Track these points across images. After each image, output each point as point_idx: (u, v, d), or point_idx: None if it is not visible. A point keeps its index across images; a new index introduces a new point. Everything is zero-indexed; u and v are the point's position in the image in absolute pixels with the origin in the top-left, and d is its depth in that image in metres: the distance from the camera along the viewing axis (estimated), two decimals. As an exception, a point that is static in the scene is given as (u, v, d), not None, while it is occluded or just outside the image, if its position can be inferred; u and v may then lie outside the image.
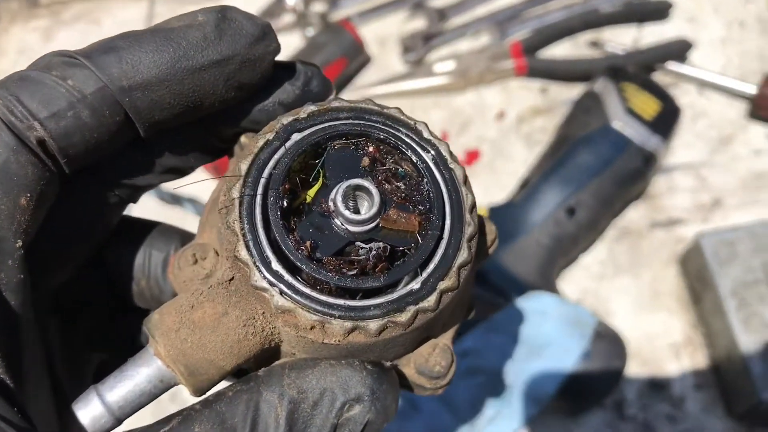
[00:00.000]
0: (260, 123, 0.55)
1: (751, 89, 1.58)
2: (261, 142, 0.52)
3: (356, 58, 1.71)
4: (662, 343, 1.46)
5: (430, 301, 0.49)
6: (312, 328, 0.48)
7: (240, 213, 0.49)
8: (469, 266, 0.52)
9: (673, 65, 1.65)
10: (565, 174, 1.45)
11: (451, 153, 0.54)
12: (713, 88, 1.65)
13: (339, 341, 0.48)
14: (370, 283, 0.48)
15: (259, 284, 0.48)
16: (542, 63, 1.68)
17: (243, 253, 0.48)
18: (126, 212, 0.63)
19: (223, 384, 0.50)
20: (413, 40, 1.74)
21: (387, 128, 0.54)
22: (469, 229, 0.52)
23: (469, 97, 1.70)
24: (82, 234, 0.57)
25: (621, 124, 1.46)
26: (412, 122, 0.55)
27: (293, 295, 0.48)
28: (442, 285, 0.50)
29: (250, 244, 0.48)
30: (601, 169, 1.44)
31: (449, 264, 0.51)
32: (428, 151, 0.54)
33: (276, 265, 0.48)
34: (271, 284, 0.48)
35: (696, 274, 1.44)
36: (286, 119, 0.53)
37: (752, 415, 1.35)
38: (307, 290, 0.48)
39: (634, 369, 1.43)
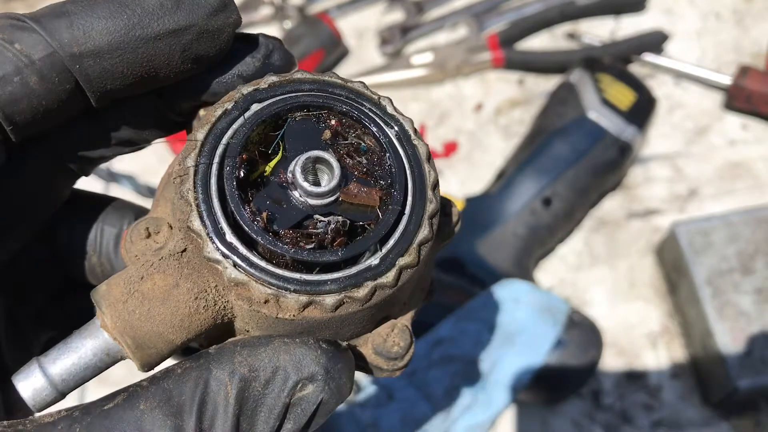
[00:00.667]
0: (219, 96, 0.54)
1: (726, 80, 1.59)
2: (219, 111, 0.50)
3: (334, 50, 1.71)
4: (639, 333, 1.47)
5: (389, 277, 0.48)
6: (266, 302, 0.47)
7: (194, 182, 0.48)
8: (430, 244, 0.51)
9: (649, 57, 1.66)
10: (541, 164, 1.45)
11: (415, 129, 0.53)
12: (689, 79, 1.65)
13: (294, 316, 0.47)
14: (328, 257, 0.47)
15: (212, 256, 0.46)
16: (519, 55, 1.68)
17: (196, 224, 0.47)
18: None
19: (173, 361, 0.49)
20: (391, 32, 1.73)
21: (350, 102, 0.52)
22: (431, 207, 0.51)
23: (447, 89, 1.70)
24: (29, 208, 0.55)
25: (596, 114, 1.47)
26: (376, 97, 0.54)
27: (247, 268, 0.46)
28: (402, 261, 0.49)
29: (204, 214, 0.47)
30: (577, 159, 1.44)
31: (410, 240, 0.49)
32: (392, 127, 0.53)
33: (230, 237, 0.47)
34: (225, 256, 0.46)
35: (672, 263, 1.44)
36: (246, 89, 0.51)
37: (728, 403, 1.36)
38: (262, 263, 0.47)
39: (610, 359, 1.44)
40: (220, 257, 0.46)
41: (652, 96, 1.53)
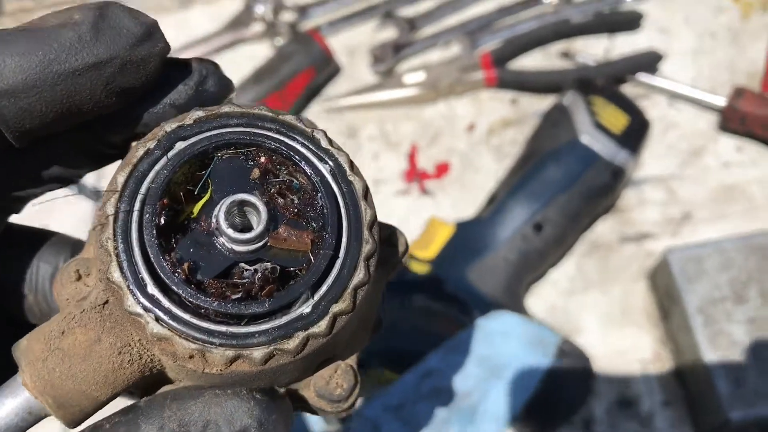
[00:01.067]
0: (151, 127, 0.51)
1: (721, 101, 1.57)
2: (141, 152, 0.48)
3: (325, 68, 1.69)
4: (631, 359, 1.45)
5: (321, 326, 0.46)
6: (191, 357, 0.45)
7: (114, 230, 0.45)
8: (367, 287, 0.48)
9: (643, 76, 1.64)
10: (532, 189, 1.43)
11: (351, 164, 0.51)
12: (684, 100, 1.64)
13: (221, 371, 0.45)
14: (254, 309, 0.45)
15: (132, 309, 0.44)
16: (512, 74, 1.66)
17: (116, 275, 0.44)
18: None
19: (105, 412, 0.47)
20: (383, 50, 1.72)
21: (281, 137, 0.50)
22: (367, 247, 0.48)
23: (439, 108, 1.69)
24: None
25: (589, 138, 1.45)
26: (310, 130, 0.51)
27: (170, 322, 0.44)
28: (336, 308, 0.46)
29: (124, 264, 0.45)
30: (569, 184, 1.43)
31: (344, 285, 0.47)
32: (326, 162, 0.50)
33: (152, 289, 0.45)
34: (146, 309, 0.44)
35: (664, 290, 1.43)
36: (169, 126, 0.49)
37: (719, 434, 1.35)
38: (186, 316, 0.44)
39: (602, 386, 1.42)
40: (141, 311, 0.44)
41: (645, 119, 1.51)
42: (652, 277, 1.48)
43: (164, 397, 0.45)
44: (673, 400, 1.41)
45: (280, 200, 0.49)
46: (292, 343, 0.45)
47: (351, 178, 0.50)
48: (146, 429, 0.44)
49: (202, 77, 0.51)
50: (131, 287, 0.45)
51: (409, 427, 1.20)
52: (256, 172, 0.49)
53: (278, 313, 0.46)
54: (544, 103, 1.64)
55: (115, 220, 0.46)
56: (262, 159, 0.49)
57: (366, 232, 0.49)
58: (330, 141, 0.51)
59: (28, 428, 0.48)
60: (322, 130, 0.51)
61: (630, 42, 1.70)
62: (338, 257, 0.47)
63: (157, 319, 0.44)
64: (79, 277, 0.49)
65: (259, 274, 0.46)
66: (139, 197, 0.46)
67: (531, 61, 1.71)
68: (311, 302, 0.46)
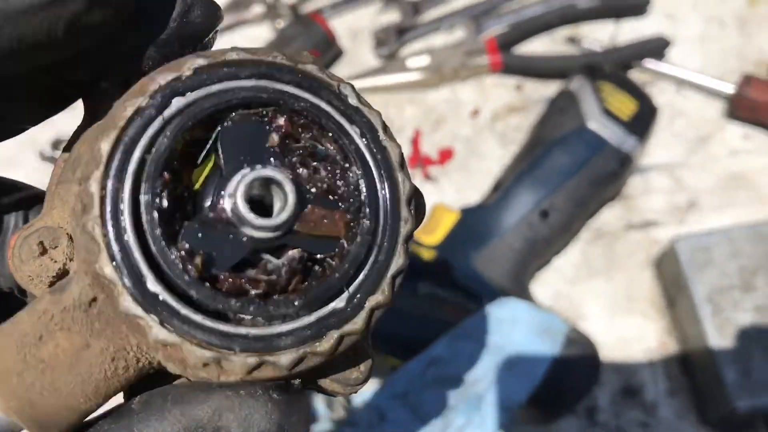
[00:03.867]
0: (123, 66, 0.43)
1: (729, 89, 1.55)
2: (129, 111, 0.38)
3: (327, 51, 1.66)
4: (636, 348, 1.44)
5: (357, 322, 0.39)
6: (205, 365, 0.37)
7: (102, 214, 0.37)
8: (405, 272, 0.41)
9: (650, 63, 1.62)
10: (539, 176, 1.41)
11: (384, 126, 0.43)
12: (691, 87, 1.62)
13: (240, 379, 0.38)
14: (284, 309, 0.38)
15: (130, 311, 0.36)
16: (518, 59, 1.64)
17: (107, 270, 0.36)
18: None
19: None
20: (386, 33, 1.69)
21: (303, 93, 0.41)
22: (406, 227, 0.41)
23: (443, 93, 1.66)
24: None
25: (597, 124, 1.43)
26: (335, 84, 0.42)
27: (179, 325, 0.37)
28: (373, 301, 0.40)
29: (117, 256, 0.36)
30: (576, 170, 1.41)
31: (381, 273, 0.40)
32: (355, 124, 0.42)
33: (153, 285, 0.37)
34: (147, 311, 0.36)
35: (671, 278, 1.41)
36: (163, 77, 0.39)
37: (726, 423, 1.34)
38: (198, 318, 0.37)
39: (606, 375, 1.41)
40: (141, 313, 0.36)
41: (654, 106, 1.49)
42: (658, 265, 1.46)
43: (164, 398, 0.39)
44: (678, 389, 1.40)
45: (304, 172, 0.41)
46: (325, 344, 0.39)
47: (385, 142, 0.42)
48: None
49: (186, 6, 0.43)
50: (127, 284, 0.36)
51: (415, 415, 1.18)
52: (274, 138, 0.40)
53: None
54: (549, 89, 1.61)
55: (102, 202, 0.37)
56: (281, 121, 0.41)
57: (404, 209, 0.42)
58: (359, 97, 0.43)
59: None
60: (349, 84, 0.43)
61: (636, 28, 1.68)
62: (375, 241, 0.41)
63: (162, 322, 0.37)
64: (44, 251, 0.40)
65: (286, 267, 0.39)
66: (130, 170, 0.37)
67: (537, 47, 1.68)
68: (345, 295, 0.40)
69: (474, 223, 1.40)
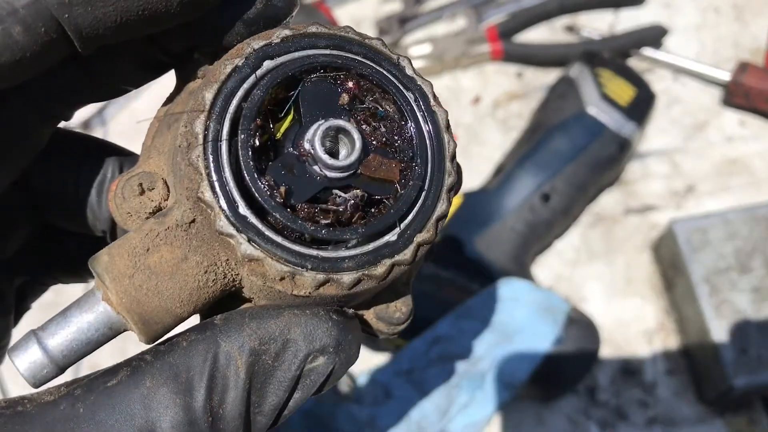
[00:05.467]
0: (216, 39, 0.50)
1: (725, 76, 1.58)
2: (228, 69, 0.46)
3: (330, 40, 1.68)
4: (635, 329, 1.47)
5: (407, 254, 0.47)
6: (282, 279, 0.45)
7: (204, 149, 0.44)
8: (446, 218, 0.49)
9: (648, 51, 1.65)
10: (539, 160, 1.44)
11: (434, 94, 0.50)
12: (688, 75, 1.65)
13: (309, 293, 0.45)
14: (348, 236, 0.45)
15: (224, 230, 0.44)
16: (518, 47, 1.67)
17: (207, 195, 0.44)
18: None
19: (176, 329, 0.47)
20: (389, 22, 1.71)
21: (369, 62, 0.49)
22: (449, 179, 0.49)
23: (444, 81, 1.69)
24: (5, 154, 0.51)
25: (596, 110, 1.46)
26: (396, 57, 0.50)
27: (263, 244, 0.44)
28: (420, 237, 0.47)
29: (216, 185, 0.44)
30: (576, 155, 1.44)
31: (428, 215, 0.48)
32: (411, 91, 0.49)
33: (244, 210, 0.44)
34: (238, 230, 0.44)
35: (669, 260, 1.44)
36: (256, 43, 0.47)
37: (723, 401, 1.37)
38: (278, 239, 0.44)
39: (606, 355, 1.44)
40: (233, 231, 0.44)
41: (652, 92, 1.52)
42: (657, 248, 1.49)
43: (242, 315, 0.45)
44: (676, 369, 1.43)
45: (366, 127, 0.48)
46: (379, 269, 0.46)
47: (435, 108, 0.50)
48: (225, 347, 0.43)
49: None
50: (223, 207, 0.44)
51: (420, 392, 1.20)
52: (344, 98, 0.48)
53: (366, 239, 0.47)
54: (549, 76, 1.64)
55: (205, 139, 0.44)
56: (351, 84, 0.48)
57: (448, 164, 0.49)
58: (414, 69, 0.50)
59: (105, 343, 0.47)
60: (406, 57, 0.51)
61: (634, 17, 1.71)
62: (424, 187, 0.48)
63: (249, 240, 0.44)
64: (143, 191, 0.48)
65: (351, 201, 0.46)
66: (229, 114, 0.45)
67: (536, 35, 1.71)
68: (397, 231, 0.47)
69: (476, 207, 1.43)
